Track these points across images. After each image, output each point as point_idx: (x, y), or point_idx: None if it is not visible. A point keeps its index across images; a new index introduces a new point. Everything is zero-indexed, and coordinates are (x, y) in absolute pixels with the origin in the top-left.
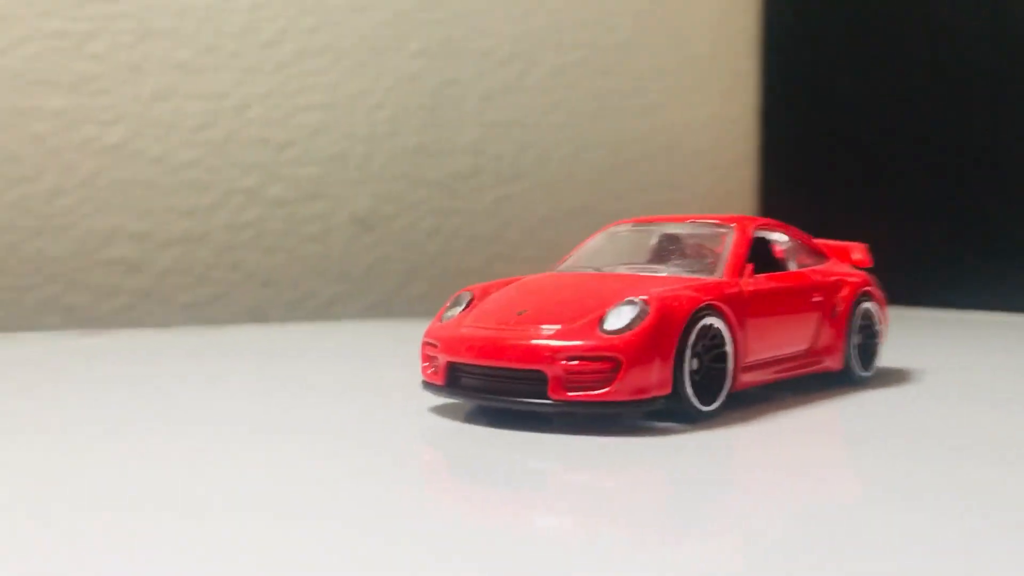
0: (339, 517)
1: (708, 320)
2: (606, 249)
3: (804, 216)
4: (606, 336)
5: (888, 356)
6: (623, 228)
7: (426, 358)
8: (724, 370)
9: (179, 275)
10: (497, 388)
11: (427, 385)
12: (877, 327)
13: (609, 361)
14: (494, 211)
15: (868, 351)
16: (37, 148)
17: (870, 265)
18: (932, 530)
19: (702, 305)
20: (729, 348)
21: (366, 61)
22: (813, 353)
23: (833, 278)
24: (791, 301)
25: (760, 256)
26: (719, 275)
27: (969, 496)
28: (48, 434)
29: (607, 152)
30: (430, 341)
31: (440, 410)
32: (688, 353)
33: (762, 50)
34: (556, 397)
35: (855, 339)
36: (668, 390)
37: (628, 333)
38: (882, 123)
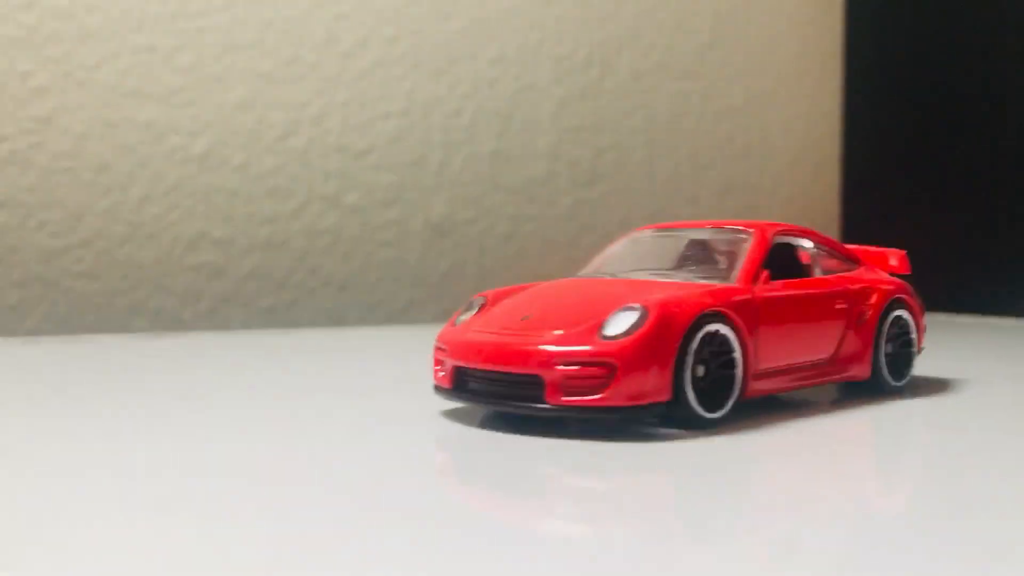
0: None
1: (713, 326)
2: (628, 254)
3: (883, 221)
4: (603, 342)
5: (937, 366)
6: (646, 233)
7: (437, 362)
8: (733, 377)
9: (260, 280)
10: (500, 392)
11: (437, 389)
12: (912, 335)
13: (604, 366)
14: (570, 216)
15: (901, 360)
16: (127, 158)
17: (907, 272)
18: (928, 549)
19: (706, 311)
20: (737, 355)
21: (444, 69)
22: (837, 361)
23: (861, 285)
24: (810, 308)
25: (783, 262)
26: (732, 281)
27: (969, 516)
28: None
29: (685, 156)
30: (440, 345)
31: (454, 414)
32: (690, 359)
33: (846, 52)
34: (553, 402)
35: (886, 347)
36: (668, 396)
37: (624, 339)
38: (964, 128)
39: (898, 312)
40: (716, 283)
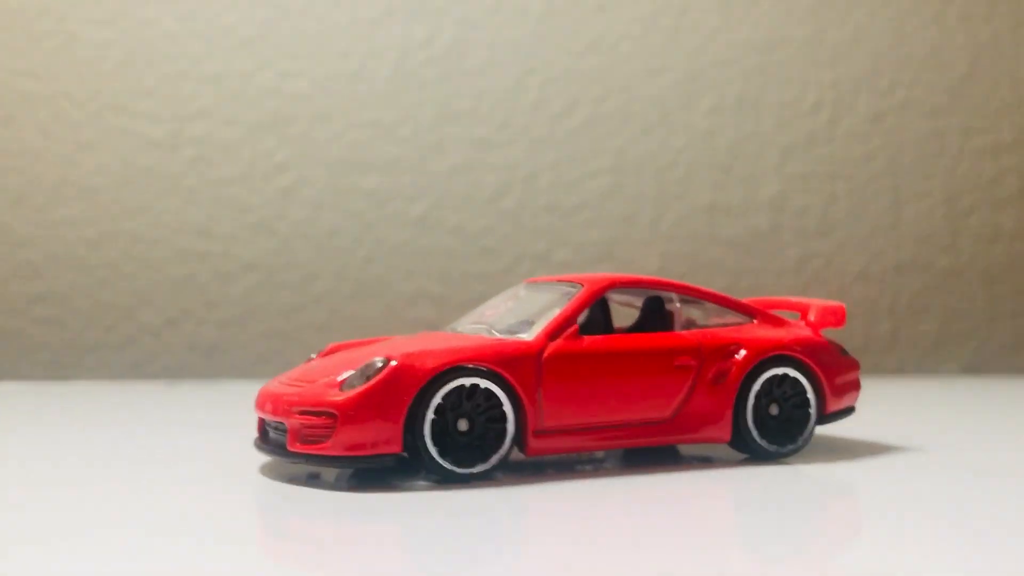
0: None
1: (470, 380)
2: (489, 307)
3: None
4: (333, 392)
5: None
6: (521, 286)
7: None
8: (503, 431)
9: None
10: (273, 440)
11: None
12: (808, 396)
13: (329, 416)
14: (797, 269)
15: (792, 424)
16: (355, 222)
17: (835, 326)
18: None
19: (457, 365)
20: (508, 410)
21: (656, 123)
22: (680, 421)
23: (725, 341)
24: (633, 365)
25: (646, 316)
26: (529, 335)
27: None
28: None
29: (938, 201)
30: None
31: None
32: (430, 413)
33: None
34: (292, 448)
35: (770, 409)
36: (398, 448)
37: (350, 390)
38: None
39: (783, 370)
40: (512, 338)
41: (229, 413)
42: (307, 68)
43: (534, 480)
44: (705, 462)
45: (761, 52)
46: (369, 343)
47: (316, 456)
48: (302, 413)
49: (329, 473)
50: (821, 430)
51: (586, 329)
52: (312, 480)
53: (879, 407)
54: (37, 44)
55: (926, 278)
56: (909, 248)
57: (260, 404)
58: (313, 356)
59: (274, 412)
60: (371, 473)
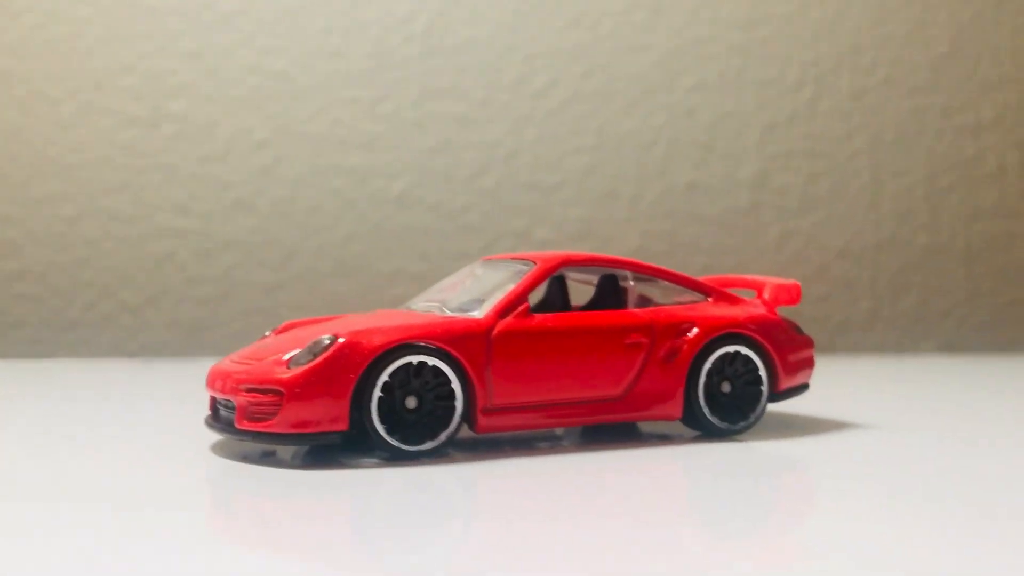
0: None
1: (418, 358)
2: (445, 285)
3: None
4: (280, 369)
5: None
6: (478, 263)
7: None
8: (452, 409)
9: None
10: (223, 418)
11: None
12: (760, 374)
13: (275, 394)
14: (778, 247)
15: (744, 401)
16: (335, 200)
17: (788, 304)
18: None
19: (402, 343)
20: (456, 388)
21: (637, 101)
22: (631, 399)
23: (678, 319)
24: (583, 343)
25: (602, 294)
26: (479, 313)
27: None
28: None
29: (920, 178)
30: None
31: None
32: (376, 391)
33: None
34: (240, 426)
35: (722, 387)
36: (344, 426)
37: (297, 368)
38: None
39: (735, 348)
40: (462, 316)
41: (203, 391)
42: (287, 45)
43: (487, 457)
44: (661, 439)
45: (743, 29)
46: (324, 321)
47: (263, 434)
48: (249, 391)
49: (286, 451)
50: (780, 407)
51: (543, 307)
52: (265, 457)
53: (850, 385)
54: (14, 20)
55: (906, 256)
56: (889, 226)
57: (210, 382)
58: (268, 334)
59: (223, 390)
60: (323, 450)
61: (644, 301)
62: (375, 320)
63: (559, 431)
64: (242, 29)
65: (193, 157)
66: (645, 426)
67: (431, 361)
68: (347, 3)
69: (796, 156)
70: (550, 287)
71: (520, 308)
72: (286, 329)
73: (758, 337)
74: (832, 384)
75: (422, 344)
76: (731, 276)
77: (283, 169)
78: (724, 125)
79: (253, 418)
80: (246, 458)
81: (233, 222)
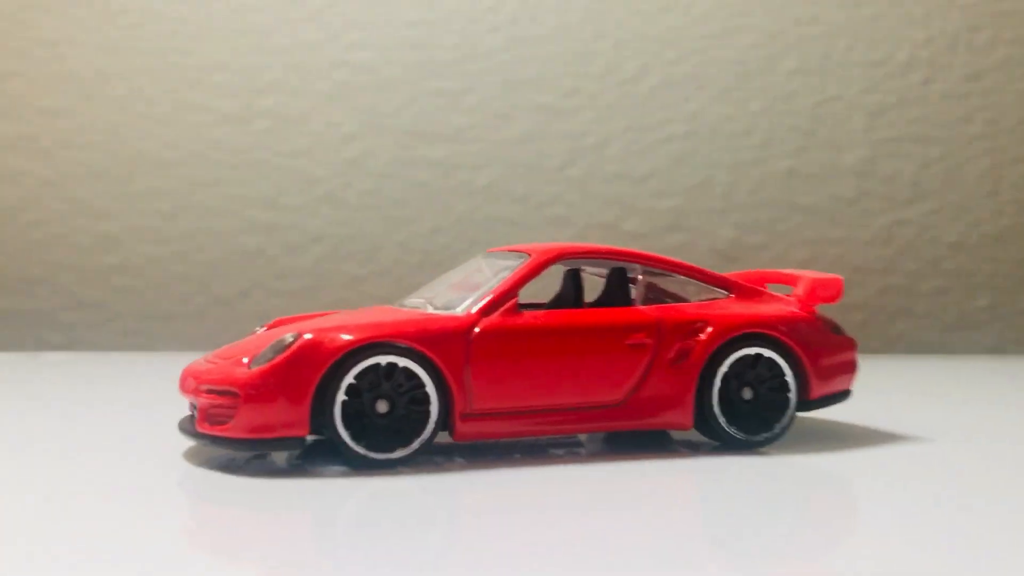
0: None
1: (387, 359)
2: (445, 279)
3: None
4: (240, 370)
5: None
6: (480, 256)
7: None
8: (426, 414)
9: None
10: (191, 420)
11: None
12: (787, 379)
13: (231, 396)
14: (885, 239)
15: (769, 409)
16: (420, 193)
17: (827, 301)
18: None
19: (370, 342)
20: (431, 391)
21: (732, 86)
22: (635, 406)
23: (689, 318)
24: (577, 343)
25: (610, 288)
26: (460, 310)
27: None
28: None
29: None
30: None
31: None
32: (340, 395)
33: None
34: (200, 429)
35: (742, 393)
36: (304, 432)
37: (255, 368)
38: None
39: (756, 350)
40: (444, 313)
41: None
42: (373, 38)
43: (469, 467)
44: (670, 452)
45: (848, 8)
46: (312, 317)
47: (221, 438)
48: (208, 392)
49: (274, 456)
50: (820, 417)
51: (557, 304)
52: (251, 463)
53: (952, 391)
54: (112, 22)
55: None
56: (1009, 216)
57: (182, 381)
58: (258, 329)
59: (189, 390)
60: (320, 453)
61: (655, 297)
62: (354, 318)
63: (564, 439)
64: (330, 24)
65: (282, 151)
66: (656, 436)
67: (402, 362)
68: None
69: (906, 142)
70: (564, 282)
71: (507, 305)
72: (276, 325)
73: (784, 338)
74: (930, 390)
75: (392, 343)
76: (767, 271)
77: (369, 162)
78: (827, 110)
79: (213, 421)
80: (228, 464)
81: (320, 216)
